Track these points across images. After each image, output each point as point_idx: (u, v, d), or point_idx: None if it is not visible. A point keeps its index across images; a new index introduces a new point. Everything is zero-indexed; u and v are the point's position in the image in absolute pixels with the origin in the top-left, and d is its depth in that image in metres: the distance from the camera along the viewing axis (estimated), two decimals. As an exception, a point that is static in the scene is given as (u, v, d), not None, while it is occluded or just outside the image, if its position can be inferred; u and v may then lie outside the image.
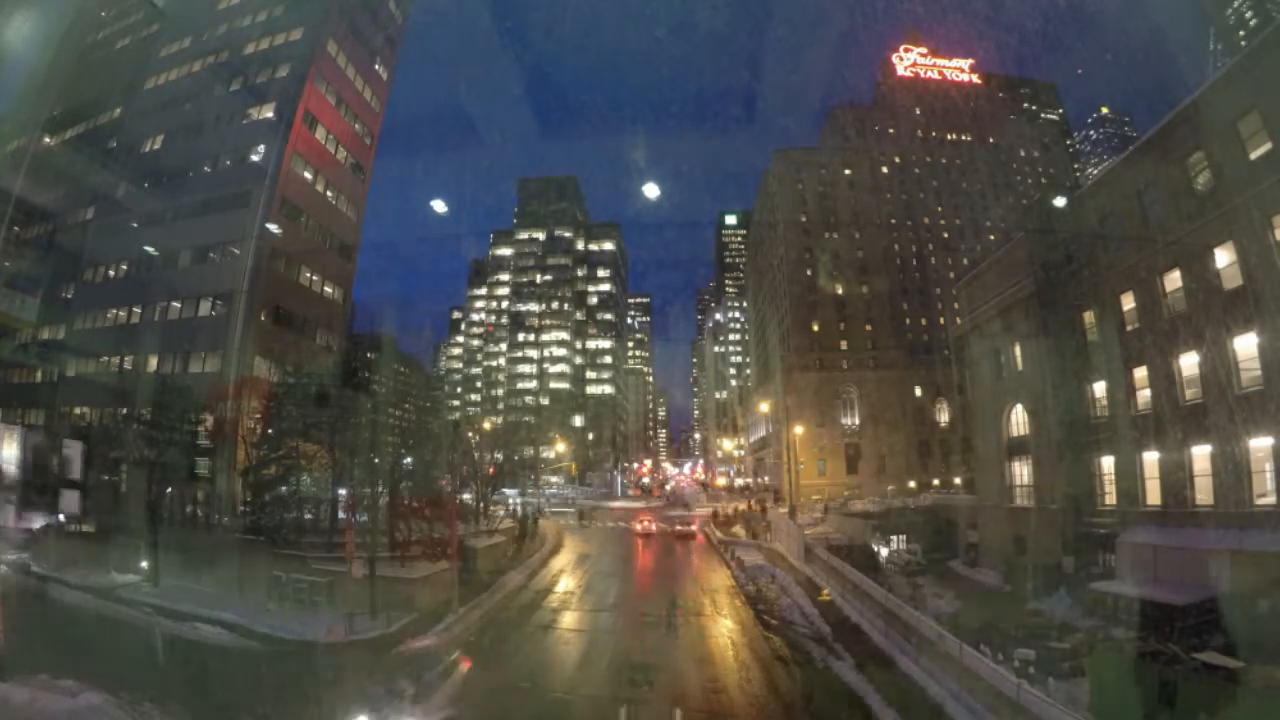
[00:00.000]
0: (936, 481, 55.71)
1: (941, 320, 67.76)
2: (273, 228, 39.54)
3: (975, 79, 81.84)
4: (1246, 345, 19.25)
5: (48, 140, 44.68)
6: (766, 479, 76.85)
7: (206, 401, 35.15)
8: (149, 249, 41.56)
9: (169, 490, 32.81)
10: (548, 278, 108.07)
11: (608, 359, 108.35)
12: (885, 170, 75.47)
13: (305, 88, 41.97)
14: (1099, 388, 25.97)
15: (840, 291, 68.18)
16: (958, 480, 50.79)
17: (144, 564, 28.43)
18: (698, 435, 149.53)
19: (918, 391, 64.79)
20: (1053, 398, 28.10)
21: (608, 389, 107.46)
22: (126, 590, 26.86)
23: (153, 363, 39.25)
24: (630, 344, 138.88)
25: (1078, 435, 26.56)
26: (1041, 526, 28.07)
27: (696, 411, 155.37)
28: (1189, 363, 21.32)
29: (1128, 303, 23.96)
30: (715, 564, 35.33)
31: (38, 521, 34.22)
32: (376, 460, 31.97)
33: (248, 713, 16.04)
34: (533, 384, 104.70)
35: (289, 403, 31.79)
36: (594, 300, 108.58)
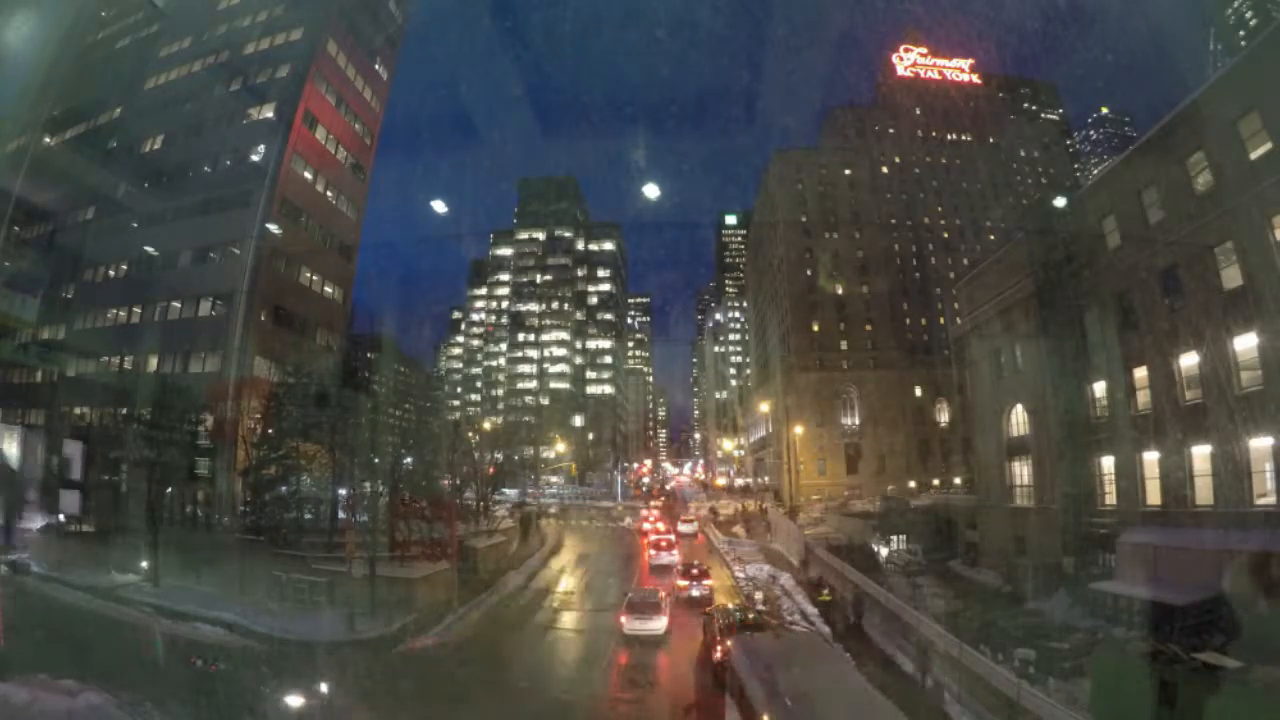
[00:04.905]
0: (936, 481, 55.68)
1: (941, 320, 67.68)
2: (273, 228, 39.52)
3: (975, 79, 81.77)
4: (1246, 345, 19.21)
5: (48, 140, 44.64)
6: (766, 479, 76.84)
7: (206, 401, 35.15)
8: (149, 249, 41.53)
9: (169, 490, 32.79)
10: (548, 278, 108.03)
11: (608, 359, 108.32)
12: (885, 170, 75.42)
13: (305, 88, 41.96)
14: (1099, 388, 25.93)
15: (840, 291, 68.14)
16: (958, 480, 50.75)
17: (144, 564, 28.44)
18: (698, 435, 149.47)
19: (918, 391, 64.79)
20: (1053, 398, 28.07)
21: (608, 389, 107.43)
22: (126, 590, 26.87)
23: (153, 363, 39.23)
24: (630, 344, 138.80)
25: (1078, 435, 26.52)
26: (1041, 526, 28.05)
27: (696, 411, 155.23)
28: (1189, 363, 21.28)
29: (1128, 303, 23.95)
30: (716, 564, 35.31)
31: (38, 521, 34.22)
32: (376, 460, 32.00)
33: (247, 713, 16.03)
34: (533, 384, 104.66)
35: (289, 403, 31.79)
36: (594, 300, 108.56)
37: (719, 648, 17.54)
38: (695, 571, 28.66)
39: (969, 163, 77.34)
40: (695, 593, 26.95)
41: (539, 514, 53.72)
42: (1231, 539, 18.67)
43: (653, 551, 36.76)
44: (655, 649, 21.80)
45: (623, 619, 22.87)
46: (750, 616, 20.79)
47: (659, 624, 22.43)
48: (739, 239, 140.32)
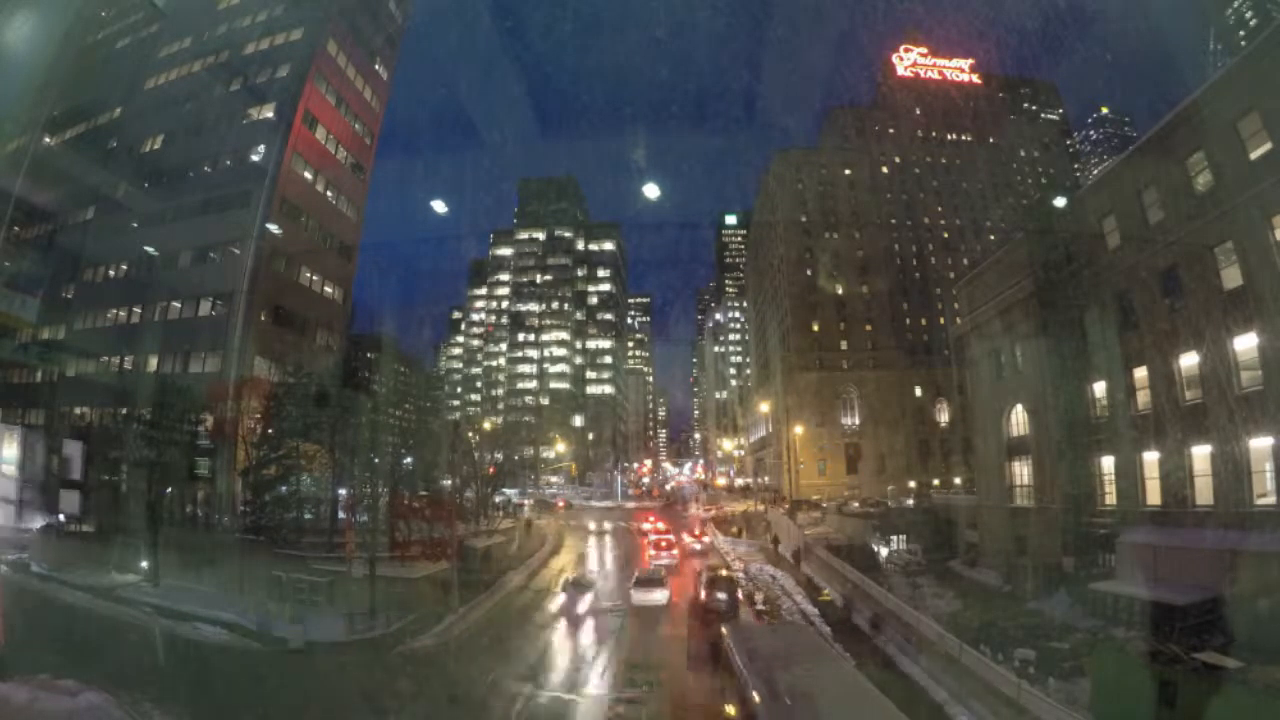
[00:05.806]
0: (936, 481, 55.66)
1: (941, 320, 67.69)
2: (273, 228, 39.52)
3: (975, 79, 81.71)
4: (1246, 345, 19.21)
5: (48, 140, 44.64)
6: (766, 479, 76.83)
7: (206, 401, 35.11)
8: (149, 249, 41.51)
9: (169, 490, 32.78)
10: (548, 278, 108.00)
11: (608, 359, 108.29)
12: (885, 170, 75.42)
13: (305, 88, 41.94)
14: (1099, 388, 25.93)
15: (840, 291, 68.17)
16: (958, 480, 50.74)
17: (144, 564, 28.41)
18: (698, 435, 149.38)
19: (918, 391, 64.81)
20: (1053, 398, 28.06)
21: (608, 389, 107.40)
22: (126, 590, 26.82)
23: (153, 363, 39.20)
24: (630, 344, 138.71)
25: (1078, 435, 26.52)
26: (1041, 526, 28.03)
27: (696, 411, 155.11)
28: (1189, 363, 21.28)
29: (1128, 303, 23.94)
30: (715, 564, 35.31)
31: (38, 521, 34.21)
32: (376, 460, 32.00)
33: (248, 713, 16.03)
34: (533, 384, 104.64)
35: (289, 403, 31.79)
36: (594, 300, 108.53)
37: (704, 593, 24.14)
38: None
39: (969, 163, 77.32)
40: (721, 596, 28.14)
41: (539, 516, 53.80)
42: (1231, 539, 18.68)
43: (652, 552, 36.83)
44: (658, 639, 21.92)
45: (631, 591, 26.25)
46: (723, 573, 27.24)
47: (662, 595, 25.98)
48: (739, 239, 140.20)
